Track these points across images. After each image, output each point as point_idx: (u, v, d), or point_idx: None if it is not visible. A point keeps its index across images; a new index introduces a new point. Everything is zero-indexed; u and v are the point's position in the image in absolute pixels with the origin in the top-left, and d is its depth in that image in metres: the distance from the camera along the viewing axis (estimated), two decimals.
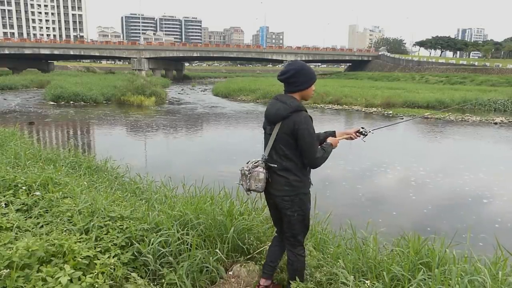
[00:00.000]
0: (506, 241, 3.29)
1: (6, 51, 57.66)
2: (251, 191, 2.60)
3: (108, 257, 2.48)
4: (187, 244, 3.01)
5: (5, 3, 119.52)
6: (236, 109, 24.12)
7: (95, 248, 2.59)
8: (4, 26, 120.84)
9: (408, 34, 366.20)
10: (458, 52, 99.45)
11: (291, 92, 2.55)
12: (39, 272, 2.21)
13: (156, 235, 3.00)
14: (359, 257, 3.03)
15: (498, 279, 2.58)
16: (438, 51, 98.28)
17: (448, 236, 3.47)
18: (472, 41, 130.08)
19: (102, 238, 2.81)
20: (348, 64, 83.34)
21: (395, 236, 3.57)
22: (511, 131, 16.31)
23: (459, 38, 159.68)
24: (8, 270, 2.14)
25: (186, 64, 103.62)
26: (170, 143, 13.99)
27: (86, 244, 2.61)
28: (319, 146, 2.55)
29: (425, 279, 2.56)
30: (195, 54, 68.59)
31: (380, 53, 74.74)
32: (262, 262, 3.04)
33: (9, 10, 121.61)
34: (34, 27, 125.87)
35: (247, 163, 2.60)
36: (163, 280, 2.70)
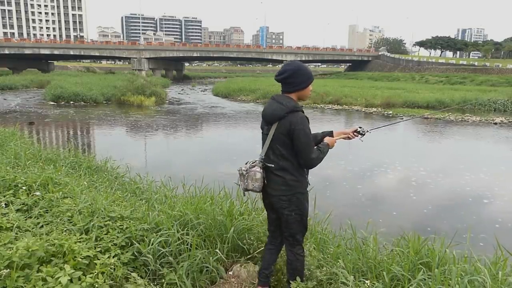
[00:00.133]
0: (506, 241, 3.29)
1: (6, 51, 57.67)
2: (249, 191, 2.62)
3: (108, 257, 2.48)
4: (187, 244, 3.01)
5: (5, 3, 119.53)
6: (236, 109, 24.12)
7: (95, 248, 2.60)
8: (4, 26, 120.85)
9: (408, 34, 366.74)
10: (458, 52, 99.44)
11: (288, 92, 2.57)
12: (39, 272, 2.21)
13: (156, 235, 3.00)
14: (359, 257, 3.03)
15: (498, 279, 2.58)
16: (438, 51, 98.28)
17: (448, 236, 3.47)
18: (472, 41, 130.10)
19: (102, 238, 2.81)
20: (348, 64, 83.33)
21: (395, 236, 3.57)
22: (511, 131, 16.31)
23: (459, 38, 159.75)
24: (8, 270, 2.14)
25: (186, 64, 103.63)
26: (170, 143, 14.00)
27: (86, 244, 2.62)
28: (315, 147, 2.57)
29: (425, 279, 2.56)
30: (195, 54, 68.61)
31: (380, 53, 74.72)
32: None
33: (9, 10, 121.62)
34: (34, 27, 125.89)
35: (246, 163, 2.62)
36: (163, 280, 2.70)
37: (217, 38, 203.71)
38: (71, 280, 2.15)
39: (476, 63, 57.10)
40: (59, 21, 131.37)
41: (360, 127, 2.91)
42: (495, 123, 18.09)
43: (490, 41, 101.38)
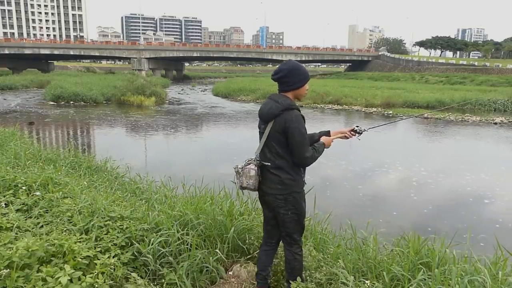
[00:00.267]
0: (506, 241, 3.29)
1: (6, 51, 57.65)
2: (244, 189, 2.63)
3: (108, 257, 2.48)
4: (187, 244, 3.01)
5: (5, 3, 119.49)
6: (236, 109, 24.13)
7: (95, 248, 2.60)
8: (4, 26, 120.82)
9: (408, 34, 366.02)
10: (458, 52, 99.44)
11: (285, 91, 2.59)
12: (39, 272, 2.21)
13: (156, 235, 3.00)
14: (359, 257, 3.03)
15: (498, 279, 2.58)
16: (438, 51, 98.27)
17: (449, 236, 3.47)
18: (472, 41, 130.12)
19: (102, 238, 2.81)
20: (348, 64, 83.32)
21: (395, 236, 3.57)
22: (511, 131, 16.31)
23: (459, 38, 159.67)
24: (8, 270, 2.14)
25: (186, 64, 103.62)
26: (170, 143, 14.00)
27: (86, 244, 2.62)
28: (310, 146, 2.56)
29: (425, 279, 2.56)
30: (195, 54, 68.60)
31: (380, 53, 74.72)
32: None
33: (9, 10, 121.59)
34: (34, 27, 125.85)
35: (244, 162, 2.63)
36: (163, 280, 2.70)
37: (217, 38, 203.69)
38: (71, 280, 2.15)
39: (476, 63, 57.09)
40: (59, 21, 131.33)
41: (357, 126, 2.91)
42: (495, 123, 18.09)
43: (490, 41, 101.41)
